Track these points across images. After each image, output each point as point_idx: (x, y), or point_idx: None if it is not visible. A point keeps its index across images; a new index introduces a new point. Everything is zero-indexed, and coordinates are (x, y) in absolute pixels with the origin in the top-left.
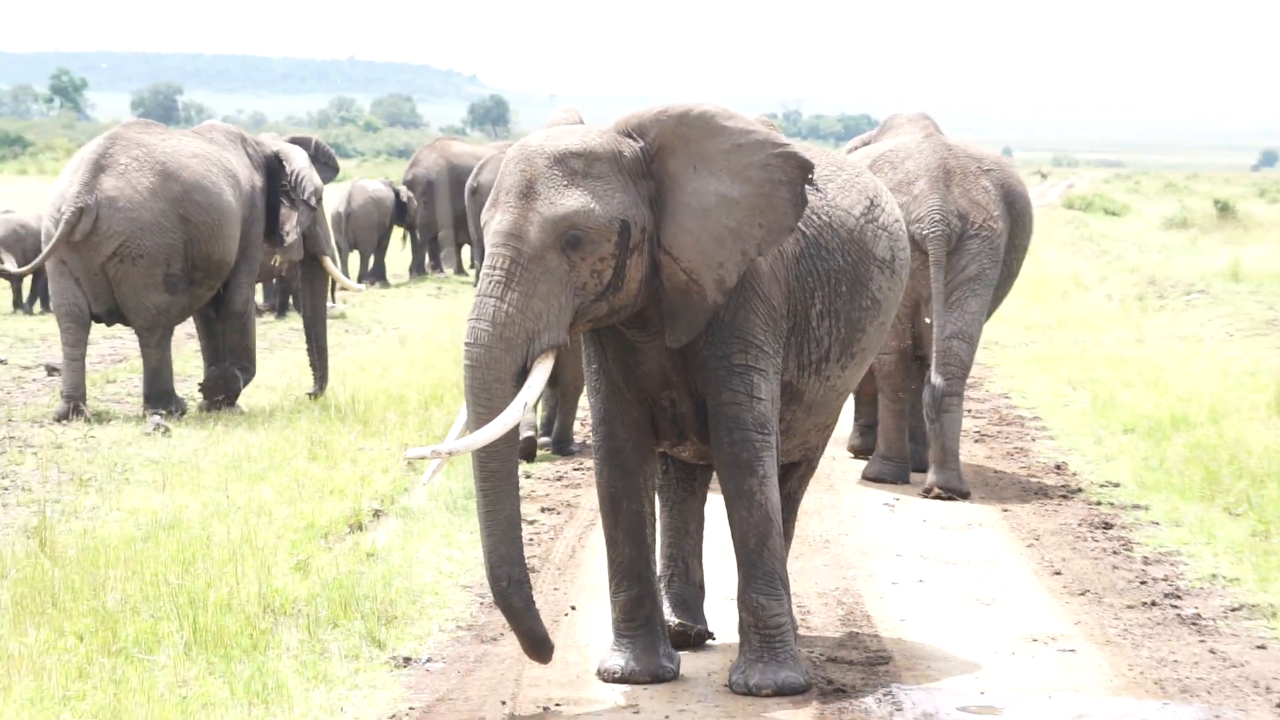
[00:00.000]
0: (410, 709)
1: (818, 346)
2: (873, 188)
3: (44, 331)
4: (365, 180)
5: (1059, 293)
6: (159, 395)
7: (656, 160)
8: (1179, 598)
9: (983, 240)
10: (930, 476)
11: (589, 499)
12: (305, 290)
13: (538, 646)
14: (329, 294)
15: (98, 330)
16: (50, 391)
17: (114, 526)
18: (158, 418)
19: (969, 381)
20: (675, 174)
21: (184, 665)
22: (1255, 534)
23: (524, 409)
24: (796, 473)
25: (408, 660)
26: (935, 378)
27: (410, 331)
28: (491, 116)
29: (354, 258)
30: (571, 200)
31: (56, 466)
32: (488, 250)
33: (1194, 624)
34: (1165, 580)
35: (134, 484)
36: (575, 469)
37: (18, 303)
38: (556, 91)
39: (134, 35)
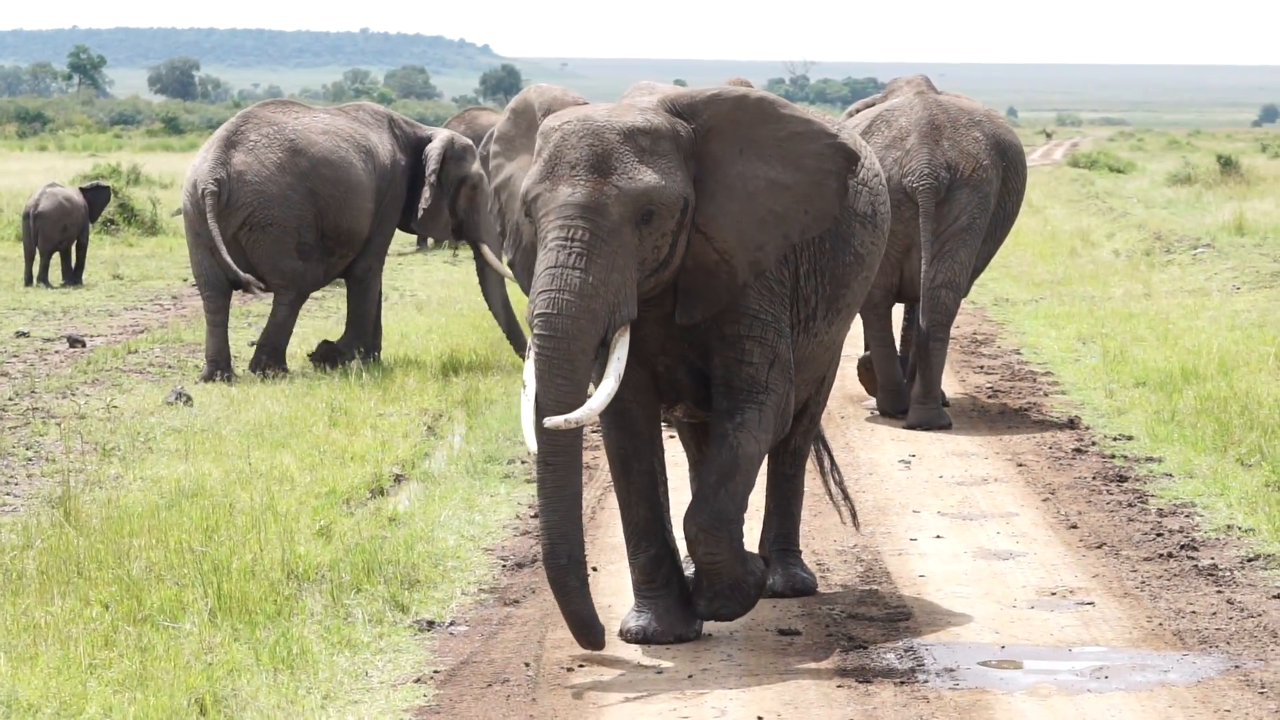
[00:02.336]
0: (434, 672)
1: (805, 305)
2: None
3: (65, 304)
4: None
5: (1067, 250)
6: (271, 350)
7: (702, 142)
8: (1195, 549)
9: (972, 189)
10: (911, 415)
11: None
12: (480, 275)
13: (586, 628)
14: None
15: (118, 302)
16: (72, 363)
17: (137, 495)
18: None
19: (980, 338)
20: (718, 156)
21: (209, 632)
22: (1269, 484)
23: (618, 380)
24: (799, 427)
25: (431, 624)
26: (922, 321)
27: (427, 298)
28: (504, 86)
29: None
30: (649, 176)
31: (80, 437)
32: (556, 222)
33: (1211, 575)
34: (1181, 532)
35: (157, 453)
36: (593, 430)
37: (29, 279)
38: (567, 59)
39: (150, 11)
